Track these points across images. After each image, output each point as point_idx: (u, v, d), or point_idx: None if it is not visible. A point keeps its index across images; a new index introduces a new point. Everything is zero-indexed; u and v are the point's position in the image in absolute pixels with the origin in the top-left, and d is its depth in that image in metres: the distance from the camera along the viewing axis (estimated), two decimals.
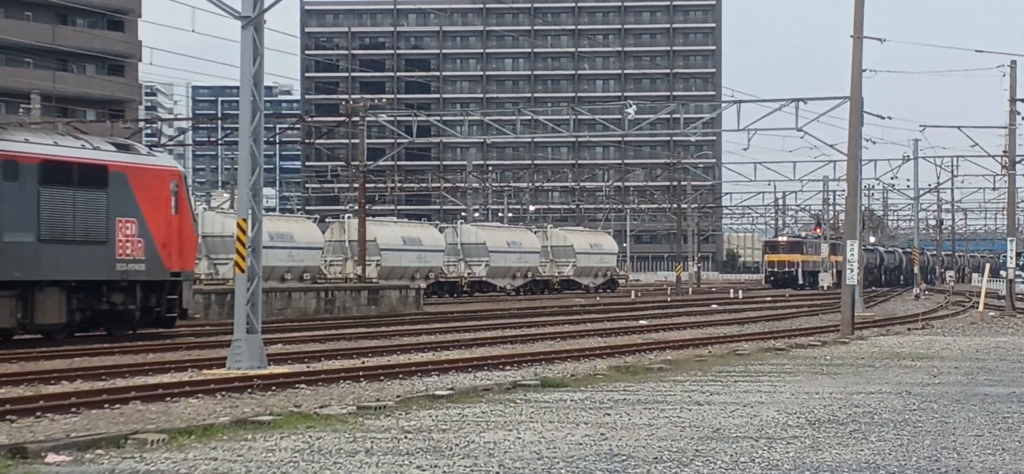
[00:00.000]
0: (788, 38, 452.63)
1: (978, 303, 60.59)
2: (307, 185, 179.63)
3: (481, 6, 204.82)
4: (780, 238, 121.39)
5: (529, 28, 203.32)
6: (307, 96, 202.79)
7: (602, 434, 16.27)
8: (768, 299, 80.00)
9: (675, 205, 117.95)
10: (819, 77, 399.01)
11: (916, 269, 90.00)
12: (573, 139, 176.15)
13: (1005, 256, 62.02)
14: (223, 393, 22.10)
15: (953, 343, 36.55)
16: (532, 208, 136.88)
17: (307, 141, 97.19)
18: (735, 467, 13.79)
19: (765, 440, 15.80)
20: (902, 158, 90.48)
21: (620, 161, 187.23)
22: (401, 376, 25.42)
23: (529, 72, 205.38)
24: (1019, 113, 60.77)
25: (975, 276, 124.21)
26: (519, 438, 15.88)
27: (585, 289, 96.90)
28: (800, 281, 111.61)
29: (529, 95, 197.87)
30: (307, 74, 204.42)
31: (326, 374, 24.86)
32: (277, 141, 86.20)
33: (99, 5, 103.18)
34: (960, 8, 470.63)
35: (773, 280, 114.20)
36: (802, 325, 47.50)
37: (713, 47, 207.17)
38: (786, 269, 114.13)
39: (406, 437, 15.97)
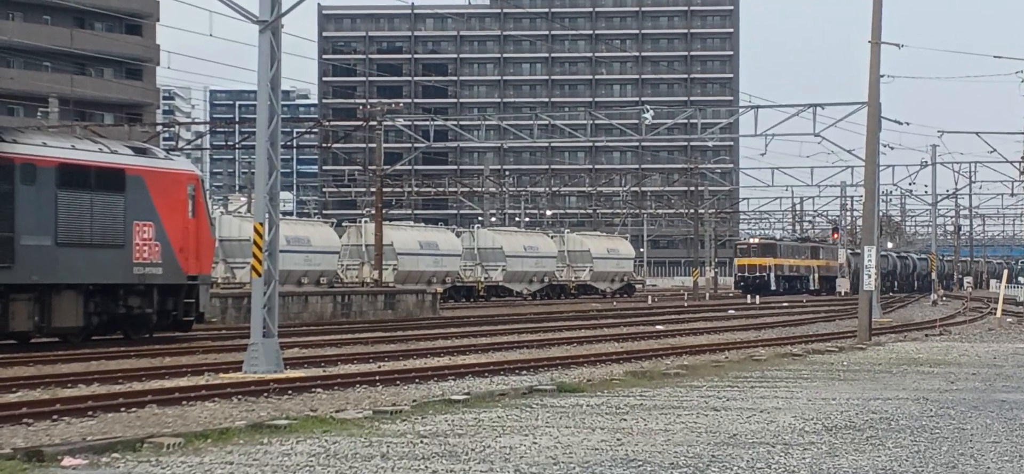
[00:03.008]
0: (806, 43, 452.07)
1: (996, 309, 60.43)
2: (324, 189, 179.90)
3: (498, 10, 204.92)
4: (751, 240, 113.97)
5: (546, 33, 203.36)
6: (324, 100, 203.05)
7: (618, 439, 16.24)
8: (784, 304, 79.86)
9: (692, 210, 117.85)
10: (837, 82, 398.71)
11: (933, 275, 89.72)
12: (590, 144, 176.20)
13: (1023, 262, 61.80)
14: (239, 397, 22.10)
15: (971, 349, 36.44)
16: (549, 213, 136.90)
17: (324, 145, 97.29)
18: (751, 473, 13.75)
19: (782, 446, 15.76)
20: (920, 164, 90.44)
21: (637, 166, 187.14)
22: (417, 380, 25.40)
23: (546, 77, 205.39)
24: None
25: (993, 282, 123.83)
26: (535, 443, 15.86)
27: (602, 294, 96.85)
28: (772, 286, 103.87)
29: (546, 100, 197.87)
30: (324, 78, 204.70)
31: (342, 378, 24.85)
32: (294, 145, 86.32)
33: (117, 9, 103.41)
34: (978, 14, 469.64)
35: (743, 285, 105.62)
36: (819, 331, 47.39)
37: (730, 52, 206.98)
38: (757, 274, 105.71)
39: (422, 442, 15.96)
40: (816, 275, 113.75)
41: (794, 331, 47.33)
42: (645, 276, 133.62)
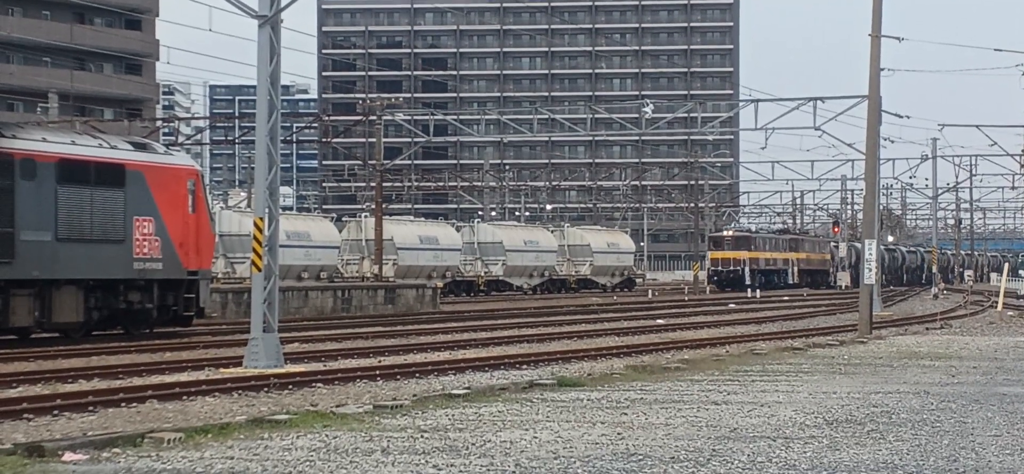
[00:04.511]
0: (806, 37, 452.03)
1: (997, 302, 60.43)
2: (324, 184, 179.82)
3: (498, 5, 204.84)
4: (723, 232, 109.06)
5: (546, 27, 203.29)
6: (324, 95, 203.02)
7: (619, 433, 16.23)
8: (785, 298, 79.87)
9: (692, 204, 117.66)
10: (837, 76, 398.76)
11: (935, 269, 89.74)
12: (590, 138, 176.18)
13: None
14: (240, 392, 22.10)
15: (972, 343, 36.44)
16: (549, 207, 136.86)
17: (324, 140, 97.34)
18: (752, 467, 13.74)
19: (783, 440, 15.75)
20: (920, 157, 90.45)
21: (637, 160, 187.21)
22: (418, 375, 25.40)
23: (546, 71, 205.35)
24: None
25: (994, 275, 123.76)
26: (536, 437, 15.85)
27: (602, 288, 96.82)
28: (747, 281, 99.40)
29: (546, 94, 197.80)
30: (324, 73, 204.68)
31: (343, 373, 24.85)
32: (294, 140, 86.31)
33: (117, 4, 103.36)
34: (978, 7, 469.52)
35: (716, 280, 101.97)
36: (820, 324, 47.39)
37: (730, 46, 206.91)
38: (730, 268, 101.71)
39: (422, 436, 15.95)
40: (795, 268, 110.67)
41: (795, 325, 47.32)
42: (645, 270, 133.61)
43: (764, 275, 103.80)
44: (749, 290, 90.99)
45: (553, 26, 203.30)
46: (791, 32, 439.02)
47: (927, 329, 44.54)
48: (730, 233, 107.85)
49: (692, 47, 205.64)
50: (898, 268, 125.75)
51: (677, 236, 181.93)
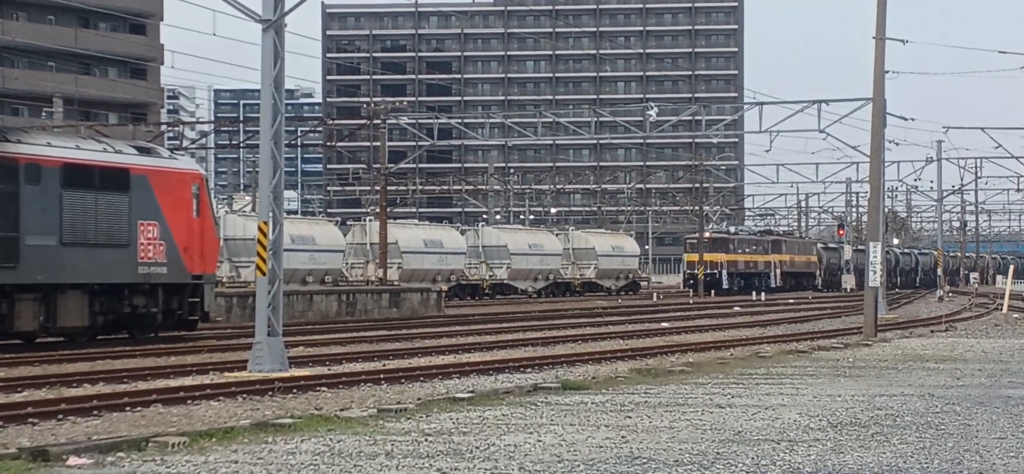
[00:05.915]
0: (810, 40, 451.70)
1: (1002, 305, 60.40)
2: (328, 188, 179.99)
3: (502, 8, 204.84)
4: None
5: (550, 30, 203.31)
6: (328, 99, 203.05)
7: (623, 437, 16.23)
8: (791, 301, 79.83)
9: (697, 207, 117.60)
10: (841, 79, 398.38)
11: (940, 271, 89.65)
12: (594, 141, 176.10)
13: None
14: (244, 396, 22.10)
15: (977, 345, 36.41)
16: (553, 210, 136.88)
17: (328, 144, 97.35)
18: (756, 470, 13.74)
19: (787, 443, 15.74)
20: (925, 159, 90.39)
21: (642, 163, 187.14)
22: (422, 379, 25.40)
23: (550, 74, 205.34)
24: None
25: (999, 278, 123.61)
26: (539, 441, 15.86)
27: (607, 291, 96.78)
28: (725, 285, 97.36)
29: (550, 97, 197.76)
30: (328, 77, 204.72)
31: (347, 377, 24.85)
32: (298, 144, 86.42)
33: (121, 9, 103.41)
34: (983, 9, 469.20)
35: (693, 283, 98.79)
36: (824, 327, 47.37)
37: (735, 49, 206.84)
38: (708, 271, 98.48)
39: (426, 440, 15.96)
40: (778, 271, 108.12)
41: (800, 328, 47.28)
42: (650, 273, 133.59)
43: (743, 278, 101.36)
44: (756, 294, 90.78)
45: (557, 29, 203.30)
46: (791, 32, 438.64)
47: (932, 332, 44.51)
48: (706, 235, 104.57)
49: (696, 50, 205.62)
50: (891, 271, 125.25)
51: (681, 239, 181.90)
